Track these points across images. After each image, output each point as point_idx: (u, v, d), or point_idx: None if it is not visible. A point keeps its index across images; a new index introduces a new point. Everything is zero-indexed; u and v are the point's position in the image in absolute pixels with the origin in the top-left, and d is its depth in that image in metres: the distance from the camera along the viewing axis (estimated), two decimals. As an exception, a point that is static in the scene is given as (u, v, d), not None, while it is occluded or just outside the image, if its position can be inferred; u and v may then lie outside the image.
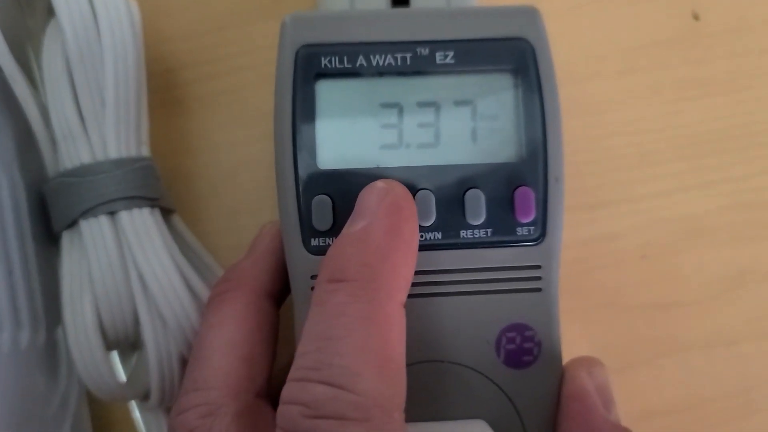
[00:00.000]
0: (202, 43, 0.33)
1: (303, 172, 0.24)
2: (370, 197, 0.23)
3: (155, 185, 0.28)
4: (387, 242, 0.21)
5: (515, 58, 0.25)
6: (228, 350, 0.24)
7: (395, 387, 0.20)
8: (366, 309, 0.20)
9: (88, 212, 0.27)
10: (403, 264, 0.22)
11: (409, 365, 0.23)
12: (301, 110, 0.24)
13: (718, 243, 0.33)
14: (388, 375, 0.20)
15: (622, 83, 0.34)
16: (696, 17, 0.35)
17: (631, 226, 0.33)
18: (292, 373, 0.20)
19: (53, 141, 0.28)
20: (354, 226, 0.22)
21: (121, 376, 0.30)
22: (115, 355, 0.30)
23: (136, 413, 0.31)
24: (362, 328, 0.20)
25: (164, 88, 0.33)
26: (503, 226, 0.25)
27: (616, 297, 0.33)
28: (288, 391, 0.20)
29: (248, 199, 0.33)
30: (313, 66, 0.25)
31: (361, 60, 0.25)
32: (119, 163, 0.27)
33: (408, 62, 0.25)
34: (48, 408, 0.27)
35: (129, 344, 0.29)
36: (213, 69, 0.33)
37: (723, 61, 0.34)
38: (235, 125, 0.33)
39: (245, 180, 0.33)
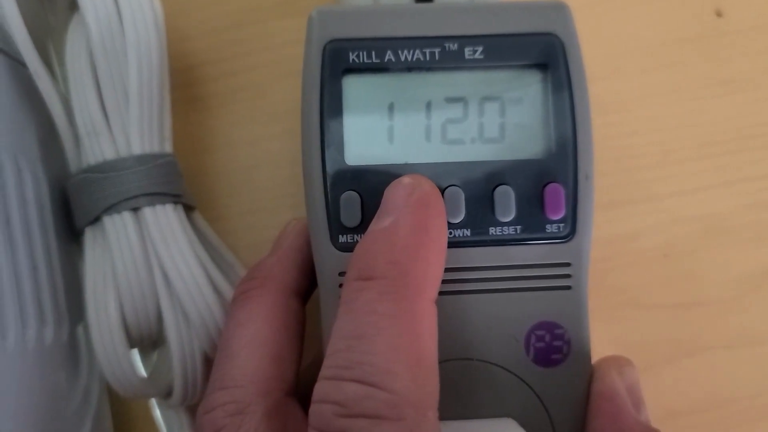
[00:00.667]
0: (220, 41, 0.33)
1: (331, 169, 0.24)
2: (396, 193, 0.22)
3: (178, 182, 0.28)
4: (415, 239, 0.21)
5: (545, 53, 0.25)
6: (255, 348, 0.24)
7: (428, 385, 0.20)
8: (396, 307, 0.20)
9: (112, 208, 0.26)
10: (432, 261, 0.21)
11: (438, 363, 0.23)
12: (329, 106, 0.24)
13: (740, 242, 0.33)
14: (420, 373, 0.20)
15: (644, 81, 0.34)
16: (719, 14, 0.34)
17: (653, 225, 0.33)
18: (324, 372, 0.20)
19: (76, 137, 0.27)
20: (381, 223, 0.22)
21: (142, 373, 0.30)
22: (135, 353, 0.30)
23: (157, 411, 0.31)
24: (393, 326, 0.20)
25: (183, 86, 0.33)
26: (533, 224, 0.24)
27: (638, 296, 0.33)
28: (320, 389, 0.20)
29: (267, 197, 0.32)
30: (340, 61, 0.24)
31: (389, 55, 0.24)
32: (142, 159, 0.27)
33: (436, 57, 0.24)
34: (70, 404, 0.27)
35: (151, 341, 0.29)
36: (231, 66, 0.33)
37: (745, 59, 0.34)
38: (253, 123, 0.33)
39: (264, 178, 0.33)
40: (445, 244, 0.22)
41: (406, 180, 0.23)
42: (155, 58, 0.27)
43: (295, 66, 0.33)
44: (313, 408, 0.20)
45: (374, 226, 0.22)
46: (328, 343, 0.20)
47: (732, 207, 0.33)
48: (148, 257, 0.27)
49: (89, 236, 0.27)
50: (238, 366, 0.23)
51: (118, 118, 0.27)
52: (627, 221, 0.33)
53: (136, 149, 0.27)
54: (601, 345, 0.32)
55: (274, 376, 0.23)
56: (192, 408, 0.30)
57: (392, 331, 0.20)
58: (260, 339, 0.24)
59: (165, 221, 0.27)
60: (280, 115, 0.33)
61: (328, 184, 0.24)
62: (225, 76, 0.33)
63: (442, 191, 0.24)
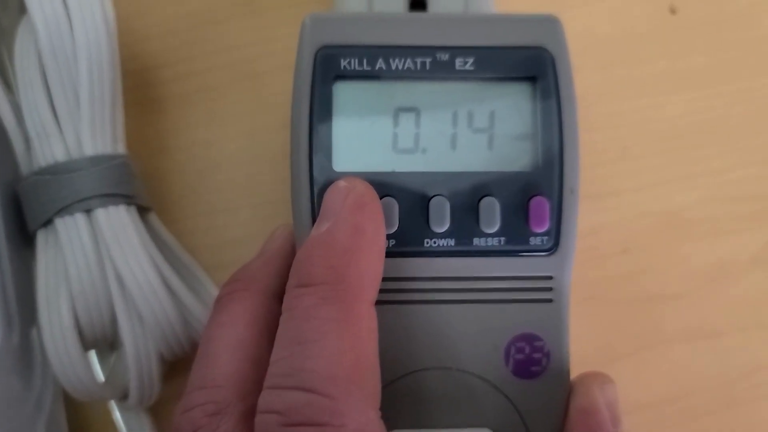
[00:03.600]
0: (177, 42, 0.33)
1: (318, 174, 0.24)
2: (332, 198, 0.22)
3: (132, 182, 0.28)
4: (351, 242, 0.21)
5: (535, 66, 0.25)
6: (236, 350, 0.23)
7: (369, 386, 0.20)
8: (335, 311, 0.20)
9: (64, 210, 0.26)
10: (370, 263, 0.21)
11: (417, 371, 0.23)
12: (319, 112, 0.24)
13: (698, 236, 0.33)
14: (361, 376, 0.20)
15: (602, 77, 0.34)
16: (673, 11, 0.35)
17: (613, 220, 0.33)
18: (267, 381, 0.20)
19: (27, 139, 0.27)
20: (319, 228, 0.22)
21: (100, 375, 0.29)
22: (93, 355, 0.30)
23: (117, 414, 0.30)
24: (332, 331, 0.20)
25: (140, 87, 0.33)
26: (517, 236, 0.24)
27: (598, 291, 0.33)
28: (263, 399, 0.20)
29: (225, 198, 0.32)
30: (332, 67, 0.24)
31: (380, 63, 0.24)
32: (95, 160, 0.27)
33: (427, 67, 0.24)
34: (22, 409, 0.26)
35: (107, 343, 0.29)
36: (188, 67, 0.33)
37: (701, 55, 0.34)
38: (210, 124, 0.33)
39: (222, 179, 0.32)
40: (383, 245, 0.22)
41: (341, 184, 0.23)
42: (106, 59, 0.27)
43: (253, 68, 0.34)
44: (258, 419, 0.20)
45: (313, 232, 0.22)
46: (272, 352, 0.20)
47: (690, 201, 0.33)
48: (101, 259, 0.26)
49: (41, 239, 0.27)
50: (218, 367, 0.23)
51: (68, 120, 0.27)
52: (587, 217, 0.33)
53: (88, 150, 0.27)
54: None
55: (253, 378, 0.23)
56: (152, 409, 0.30)
57: (332, 336, 0.20)
58: (241, 341, 0.24)
59: (118, 222, 0.27)
60: (237, 116, 0.33)
61: (315, 189, 0.24)
62: (182, 78, 0.33)
63: (429, 200, 0.24)
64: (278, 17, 0.34)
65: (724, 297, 0.33)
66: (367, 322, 0.21)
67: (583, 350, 0.31)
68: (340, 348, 0.19)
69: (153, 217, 0.30)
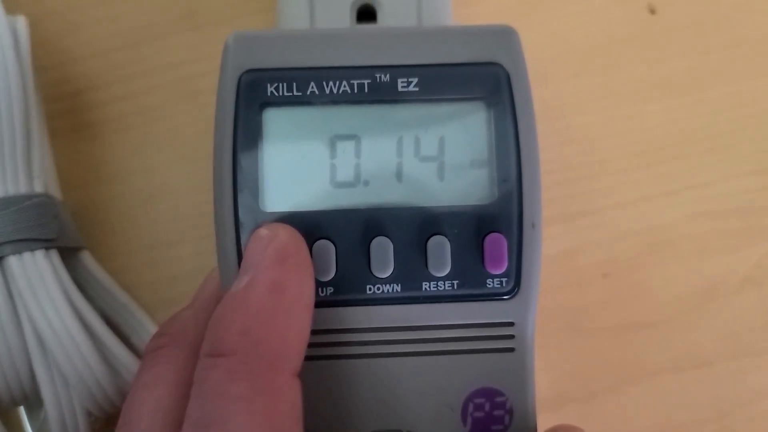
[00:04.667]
0: (113, 61, 0.31)
1: (245, 216, 0.21)
2: (252, 248, 0.20)
3: (51, 223, 0.25)
4: (269, 302, 0.19)
5: (487, 85, 0.22)
6: (158, 416, 0.21)
7: None
8: (245, 388, 0.18)
9: (-29, 259, 0.24)
10: (291, 325, 0.19)
11: None
12: (244, 143, 0.22)
13: (684, 256, 0.31)
14: None
15: (576, 86, 0.32)
16: (652, 11, 0.32)
17: (591, 241, 0.31)
18: None
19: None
20: (237, 285, 0.19)
21: (30, 432, 0.27)
22: (21, 411, 0.27)
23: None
24: (243, 412, 0.17)
25: (72, 112, 0.31)
26: (471, 278, 0.22)
27: (577, 319, 0.31)
28: None
29: (167, 229, 0.30)
30: (257, 94, 0.22)
31: (312, 87, 0.22)
32: (6, 202, 0.24)
33: (366, 90, 0.22)
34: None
35: (33, 399, 0.26)
36: (125, 89, 0.31)
37: (682, 59, 0.32)
38: (150, 149, 0.30)
39: (163, 209, 0.30)
40: (310, 302, 0.20)
41: (262, 232, 0.20)
42: (15, 88, 0.24)
43: (194, 86, 0.31)
44: None
45: (232, 288, 0.20)
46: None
47: (674, 218, 0.31)
48: (16, 312, 0.24)
49: (-51, 290, 0.24)
50: None
51: (-25, 158, 0.24)
52: (562, 239, 0.31)
53: (-2, 191, 0.24)
54: (537, 374, 0.30)
55: None
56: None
57: (244, 418, 0.17)
58: (165, 406, 0.21)
59: (34, 270, 0.24)
60: (180, 139, 0.30)
61: (241, 233, 0.21)
62: (117, 100, 0.31)
63: (370, 241, 0.22)
64: (220, 32, 0.30)
65: (714, 322, 0.31)
66: (286, 397, 0.18)
67: (562, 385, 0.29)
68: None
69: (85, 256, 0.28)
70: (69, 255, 0.27)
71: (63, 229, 0.26)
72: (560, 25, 0.32)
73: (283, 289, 0.19)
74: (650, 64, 0.32)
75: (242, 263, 0.20)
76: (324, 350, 0.21)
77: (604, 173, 0.31)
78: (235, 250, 0.21)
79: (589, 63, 0.32)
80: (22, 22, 0.26)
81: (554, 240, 0.31)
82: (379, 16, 0.26)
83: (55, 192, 0.27)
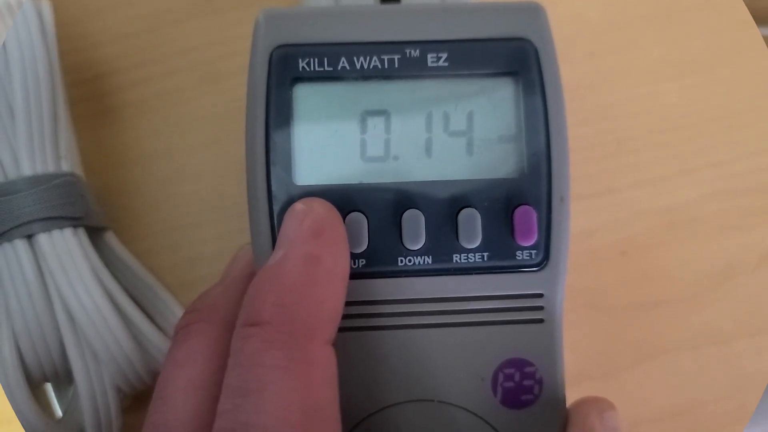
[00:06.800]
0: (133, 46, 0.31)
1: (277, 190, 0.21)
2: (288, 223, 0.20)
3: (79, 202, 0.26)
4: (304, 275, 0.19)
5: (516, 60, 0.22)
6: (194, 390, 0.21)
7: None
8: (281, 357, 0.18)
9: (2, 237, 0.24)
10: (326, 297, 0.19)
11: (395, 405, 0.21)
12: (276, 119, 0.22)
13: (702, 235, 0.31)
14: (316, 428, 0.18)
15: (592, 66, 0.32)
16: (668, -9, 0.32)
17: (609, 221, 0.31)
18: None
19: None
20: (272, 259, 0.20)
21: (57, 411, 0.27)
22: (49, 388, 0.27)
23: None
24: (280, 380, 0.18)
25: (93, 97, 0.31)
26: (501, 250, 0.22)
27: (595, 298, 0.31)
28: None
29: (190, 212, 0.30)
30: (289, 69, 0.22)
31: (343, 62, 0.22)
32: (35, 180, 0.25)
33: (396, 65, 0.22)
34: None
35: (62, 377, 0.26)
36: (146, 72, 0.31)
37: (699, 38, 0.32)
38: (170, 133, 0.31)
39: (185, 192, 0.30)
40: (345, 274, 0.20)
41: (297, 206, 0.20)
42: (43, 71, 0.25)
43: (214, 69, 0.31)
44: None
45: (269, 261, 0.20)
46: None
47: (692, 197, 0.31)
48: (46, 289, 0.24)
49: (-20, 269, 0.25)
50: (173, 410, 0.21)
51: (4, 138, 0.24)
52: (580, 218, 0.31)
53: (27, 170, 0.25)
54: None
55: (211, 423, 0.21)
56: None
57: (280, 386, 0.18)
58: (199, 380, 0.21)
59: (63, 248, 0.24)
60: (199, 122, 0.31)
61: (275, 206, 0.21)
62: (138, 84, 0.31)
63: (401, 214, 0.22)
64: (239, 15, 0.31)
65: (732, 300, 0.31)
66: (321, 365, 0.18)
67: (580, 363, 0.29)
68: (286, 399, 0.17)
69: (110, 237, 0.28)
70: (94, 235, 0.27)
71: (89, 208, 0.26)
72: (576, 4, 0.32)
73: (318, 261, 0.19)
74: (666, 44, 0.32)
75: (278, 238, 0.20)
76: (356, 321, 0.21)
77: (622, 152, 0.32)
78: (269, 223, 0.21)
79: (606, 43, 0.32)
80: (46, 6, 0.26)
81: (572, 219, 0.30)
82: None
83: (80, 173, 0.28)
